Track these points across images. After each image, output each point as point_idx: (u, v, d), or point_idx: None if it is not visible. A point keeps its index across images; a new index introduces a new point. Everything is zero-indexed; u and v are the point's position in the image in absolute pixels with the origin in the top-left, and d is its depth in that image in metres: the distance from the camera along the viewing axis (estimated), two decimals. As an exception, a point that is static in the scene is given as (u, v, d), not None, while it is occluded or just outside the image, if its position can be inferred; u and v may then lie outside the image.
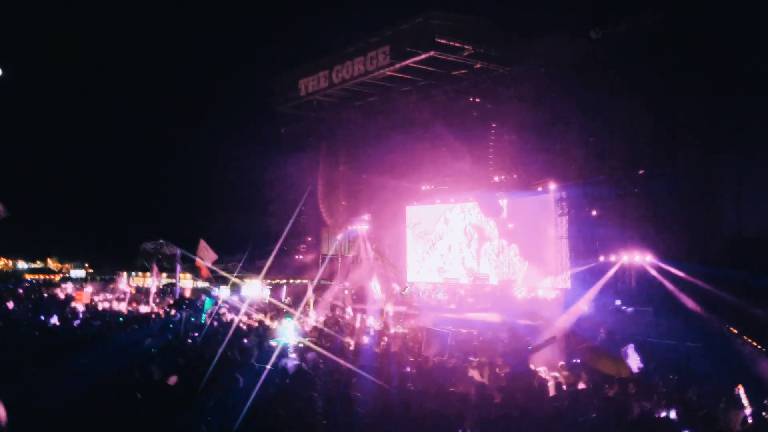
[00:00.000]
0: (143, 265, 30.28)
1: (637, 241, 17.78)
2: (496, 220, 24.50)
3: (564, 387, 9.85)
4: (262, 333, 14.74)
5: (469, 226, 26.69)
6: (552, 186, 21.34)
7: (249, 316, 19.54)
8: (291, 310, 19.82)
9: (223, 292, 22.77)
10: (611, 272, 17.74)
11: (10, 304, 19.51)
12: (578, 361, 12.89)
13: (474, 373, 10.60)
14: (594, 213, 19.00)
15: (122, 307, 22.26)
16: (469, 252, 26.69)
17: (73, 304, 21.68)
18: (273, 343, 12.02)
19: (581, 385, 9.68)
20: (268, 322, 17.61)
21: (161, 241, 22.05)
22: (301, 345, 11.57)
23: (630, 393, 9.24)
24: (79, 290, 26.66)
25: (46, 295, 26.51)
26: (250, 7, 35.93)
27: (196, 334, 13.80)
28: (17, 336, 12.59)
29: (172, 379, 8.55)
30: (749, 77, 18.01)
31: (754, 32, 17.40)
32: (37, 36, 36.47)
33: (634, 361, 11.09)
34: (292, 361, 10.70)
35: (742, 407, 8.35)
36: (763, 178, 18.72)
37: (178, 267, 21.67)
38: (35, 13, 35.56)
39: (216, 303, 20.39)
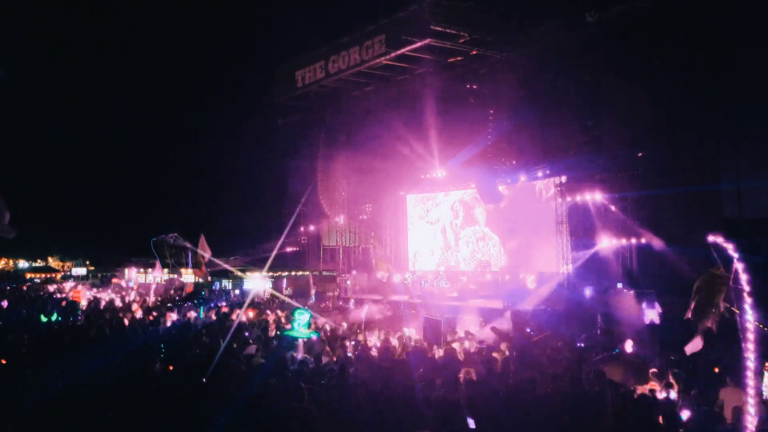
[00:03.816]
0: (146, 261, 30.33)
1: (637, 223, 17.80)
2: (493, 206, 24.71)
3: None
4: (265, 326, 14.80)
5: (458, 203, 27.19)
6: (551, 170, 21.36)
7: (252, 309, 19.57)
8: (293, 303, 19.83)
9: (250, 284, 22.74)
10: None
11: (4, 303, 19.53)
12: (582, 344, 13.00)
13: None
14: (594, 196, 18.98)
15: (124, 302, 22.26)
16: (450, 230, 27.37)
17: (72, 300, 21.68)
18: (283, 335, 12.02)
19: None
20: (275, 314, 17.63)
21: (174, 234, 22.04)
22: (310, 339, 11.55)
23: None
24: (76, 288, 26.66)
25: (44, 293, 26.57)
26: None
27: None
28: (18, 334, 12.61)
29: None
30: (747, 58, 17.96)
31: (750, 12, 17.34)
32: (35, 33, 36.36)
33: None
34: (299, 354, 10.71)
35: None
36: (762, 158, 18.73)
37: (190, 261, 21.74)
38: (35, 9, 35.43)
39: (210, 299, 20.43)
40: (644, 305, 14.36)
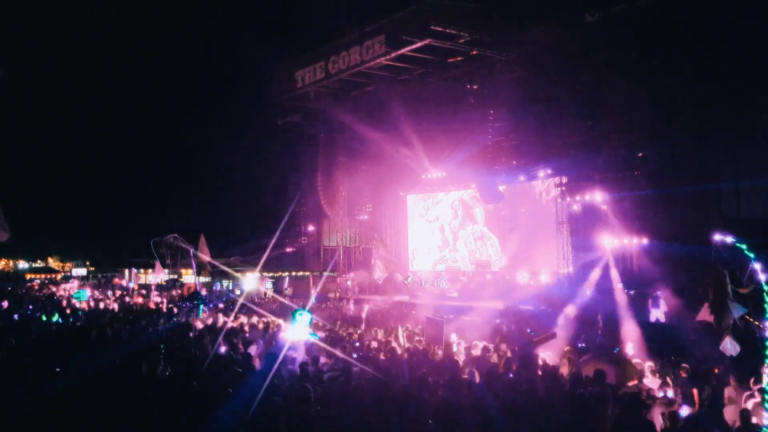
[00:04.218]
0: (147, 262, 30.27)
1: (637, 223, 17.79)
2: (493, 206, 24.77)
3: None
4: (265, 327, 14.79)
5: (457, 201, 27.32)
6: (551, 171, 21.37)
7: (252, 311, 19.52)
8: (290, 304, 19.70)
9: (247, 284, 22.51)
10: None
11: (5, 304, 19.47)
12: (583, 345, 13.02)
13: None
14: (594, 196, 18.98)
15: (123, 303, 22.27)
16: (449, 228, 27.57)
17: (72, 301, 21.67)
18: (282, 337, 11.97)
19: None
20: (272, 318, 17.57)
21: (174, 234, 21.97)
22: (310, 341, 11.52)
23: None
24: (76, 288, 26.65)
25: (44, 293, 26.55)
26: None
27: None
28: (19, 335, 12.61)
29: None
30: (746, 56, 17.96)
31: (750, 12, 17.34)
32: (34, 34, 36.34)
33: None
34: (300, 355, 10.68)
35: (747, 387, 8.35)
36: (761, 158, 18.73)
37: (193, 262, 21.67)
38: (33, 11, 35.42)
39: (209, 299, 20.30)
40: (650, 304, 14.37)
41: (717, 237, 7.42)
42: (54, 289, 29.06)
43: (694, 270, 15.66)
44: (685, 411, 7.72)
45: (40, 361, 9.24)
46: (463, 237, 27.24)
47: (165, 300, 22.63)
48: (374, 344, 12.63)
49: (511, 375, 9.39)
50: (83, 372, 8.30)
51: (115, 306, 20.67)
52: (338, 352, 11.06)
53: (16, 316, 16.63)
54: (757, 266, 7.01)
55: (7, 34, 33.35)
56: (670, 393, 8.64)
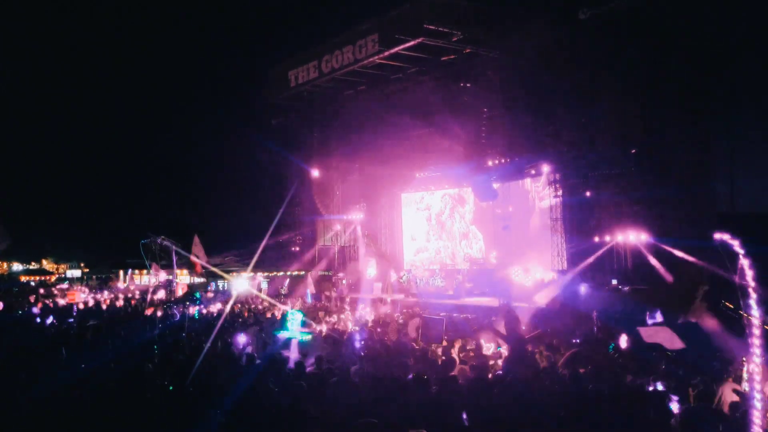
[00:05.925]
0: (142, 263, 30.20)
1: (632, 219, 17.83)
2: (486, 203, 24.84)
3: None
4: (263, 325, 14.79)
5: (448, 196, 27.51)
6: (545, 168, 21.40)
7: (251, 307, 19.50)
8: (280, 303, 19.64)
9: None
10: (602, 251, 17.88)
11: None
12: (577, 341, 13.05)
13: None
14: (587, 194, 19.02)
15: (120, 304, 22.23)
16: (435, 221, 27.90)
17: (68, 302, 21.63)
18: (278, 335, 12.01)
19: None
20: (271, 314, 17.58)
21: (162, 236, 21.85)
22: (304, 339, 11.55)
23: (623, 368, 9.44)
24: (71, 290, 26.58)
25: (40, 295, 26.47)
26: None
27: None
28: (14, 336, 12.58)
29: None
30: (739, 52, 18.03)
31: (744, 10, 17.41)
32: (31, 34, 36.24)
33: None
34: (293, 354, 10.71)
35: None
36: (754, 153, 18.82)
37: (174, 261, 21.48)
38: (33, 11, 35.33)
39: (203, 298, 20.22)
40: (647, 317, 14.36)
41: (717, 236, 7.55)
42: (49, 290, 29.00)
43: (688, 266, 15.73)
44: (674, 404, 7.77)
45: (35, 362, 9.23)
46: (449, 231, 27.47)
47: (159, 301, 22.60)
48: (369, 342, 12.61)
49: (507, 373, 9.42)
50: (78, 372, 8.30)
51: (113, 306, 20.63)
52: (333, 351, 11.09)
53: (10, 317, 16.60)
54: (745, 262, 7.12)
55: (7, 34, 33.27)
56: (660, 386, 8.68)
